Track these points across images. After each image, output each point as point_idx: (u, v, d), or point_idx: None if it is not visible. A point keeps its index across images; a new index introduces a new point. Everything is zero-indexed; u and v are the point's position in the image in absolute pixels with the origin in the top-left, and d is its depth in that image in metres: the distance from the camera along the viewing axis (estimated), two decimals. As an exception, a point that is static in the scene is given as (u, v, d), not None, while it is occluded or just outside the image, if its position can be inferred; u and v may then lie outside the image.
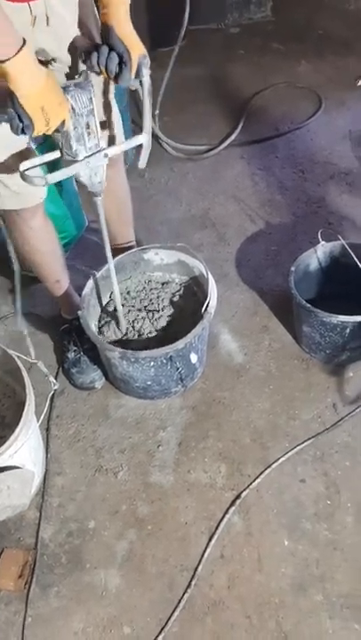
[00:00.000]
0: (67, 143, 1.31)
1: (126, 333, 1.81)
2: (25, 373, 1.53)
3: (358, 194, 2.49)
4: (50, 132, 1.24)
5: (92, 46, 1.30)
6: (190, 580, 1.47)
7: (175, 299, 1.88)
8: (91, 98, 1.26)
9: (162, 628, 1.41)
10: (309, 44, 3.50)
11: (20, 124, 1.18)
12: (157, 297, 1.88)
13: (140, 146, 1.43)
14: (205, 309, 1.66)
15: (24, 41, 1.11)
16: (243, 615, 1.42)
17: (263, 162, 2.69)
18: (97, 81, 1.39)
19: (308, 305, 1.71)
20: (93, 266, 1.84)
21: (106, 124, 1.53)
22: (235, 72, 3.32)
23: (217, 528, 1.55)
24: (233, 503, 1.59)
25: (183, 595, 1.45)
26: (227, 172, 2.66)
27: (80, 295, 1.78)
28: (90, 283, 1.78)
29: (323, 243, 1.87)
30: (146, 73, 1.33)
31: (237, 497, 1.60)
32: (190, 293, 1.89)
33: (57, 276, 1.83)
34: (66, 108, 1.23)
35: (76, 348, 1.90)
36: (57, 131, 1.26)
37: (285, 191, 2.53)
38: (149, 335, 1.80)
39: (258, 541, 1.53)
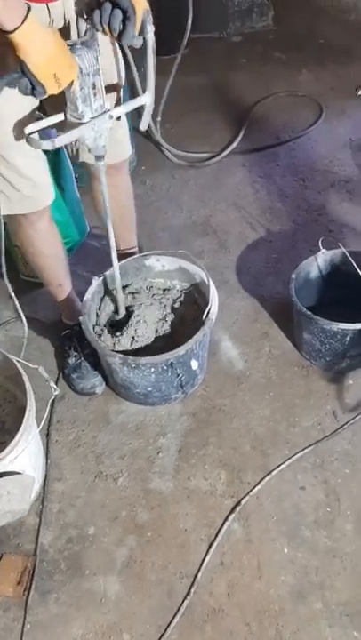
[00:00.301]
0: (72, 105, 1.29)
1: (127, 338, 1.81)
2: (26, 379, 1.54)
3: (359, 202, 2.50)
4: (57, 92, 1.21)
5: (95, 2, 1.24)
6: (190, 588, 1.47)
7: (176, 305, 1.88)
8: (97, 57, 1.23)
9: (161, 636, 1.40)
10: (310, 53, 3.52)
11: (30, 87, 1.16)
12: (159, 303, 1.89)
13: (143, 107, 1.39)
14: (206, 316, 1.66)
15: (29, 8, 1.10)
16: (242, 623, 1.41)
17: (264, 170, 2.70)
18: (103, 40, 1.34)
19: (309, 312, 1.71)
20: (95, 271, 1.84)
21: (111, 87, 1.48)
22: (236, 80, 3.34)
23: (217, 535, 1.55)
24: (233, 510, 1.59)
25: (183, 602, 1.45)
26: (228, 180, 2.67)
27: (82, 301, 1.79)
28: (91, 288, 1.79)
29: (323, 250, 1.88)
30: (150, 29, 1.27)
31: (237, 504, 1.60)
32: (191, 300, 1.90)
33: (60, 280, 1.83)
34: (75, 69, 1.20)
35: (76, 353, 1.90)
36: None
37: (286, 199, 2.54)
38: (150, 341, 1.80)
39: (257, 549, 1.53)
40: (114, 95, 1.49)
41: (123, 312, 1.77)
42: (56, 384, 1.83)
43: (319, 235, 1.94)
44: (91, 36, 1.24)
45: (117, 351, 1.69)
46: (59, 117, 1.34)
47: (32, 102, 1.40)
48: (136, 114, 1.47)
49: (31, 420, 1.50)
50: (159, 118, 2.81)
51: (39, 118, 1.59)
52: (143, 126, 1.45)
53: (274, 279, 2.20)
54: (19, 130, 1.38)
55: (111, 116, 1.34)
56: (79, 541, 1.57)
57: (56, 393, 1.67)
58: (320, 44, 3.63)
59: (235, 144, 2.82)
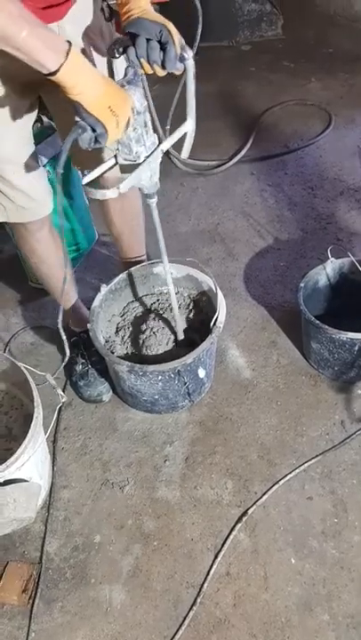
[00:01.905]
0: (125, 148, 1.24)
1: (134, 345, 1.81)
2: (34, 386, 1.53)
3: (368, 211, 2.50)
4: (121, 136, 1.16)
5: (127, 40, 1.18)
6: (196, 598, 1.46)
7: (184, 313, 1.88)
8: (144, 94, 1.19)
9: (166, 646, 1.40)
10: (319, 62, 3.52)
11: (93, 134, 1.09)
12: (166, 311, 1.88)
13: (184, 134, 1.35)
14: (214, 324, 1.66)
15: (69, 43, 1.02)
16: (248, 634, 1.40)
17: (273, 178, 2.70)
18: None
19: (318, 321, 1.70)
20: (103, 279, 1.85)
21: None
22: (245, 89, 3.35)
23: (223, 545, 1.54)
24: (239, 520, 1.58)
25: (188, 612, 1.44)
26: (236, 188, 2.67)
27: (89, 308, 1.79)
28: (99, 296, 1.79)
29: (332, 259, 1.87)
30: (189, 55, 1.21)
31: (244, 514, 1.59)
32: (199, 308, 1.89)
33: (64, 287, 1.83)
34: (129, 104, 1.14)
35: (83, 360, 1.90)
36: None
37: (295, 207, 2.53)
38: (157, 349, 1.80)
39: (264, 559, 1.52)
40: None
41: (181, 336, 1.75)
42: (63, 391, 1.83)
43: (328, 243, 1.94)
44: (134, 74, 1.18)
45: (124, 358, 1.69)
46: (110, 163, 1.27)
47: (27, 119, 1.40)
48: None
49: (38, 428, 1.50)
50: (168, 126, 2.80)
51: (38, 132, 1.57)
52: (185, 154, 1.39)
53: (282, 287, 2.19)
54: (18, 147, 1.38)
55: (162, 150, 1.29)
56: (85, 550, 1.56)
57: (63, 400, 1.67)
58: (329, 52, 3.64)
59: (243, 152, 2.83)
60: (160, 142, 1.29)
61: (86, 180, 1.25)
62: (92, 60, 1.34)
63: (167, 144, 1.31)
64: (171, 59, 1.17)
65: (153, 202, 1.42)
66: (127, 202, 1.50)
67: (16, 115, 1.32)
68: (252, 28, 3.83)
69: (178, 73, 1.23)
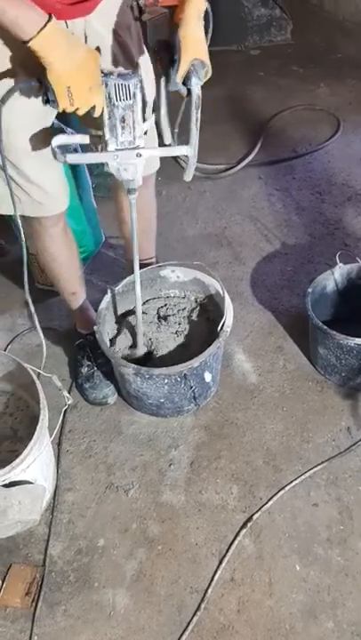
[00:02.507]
0: (102, 130, 1.27)
1: (141, 349, 1.81)
2: (40, 387, 1.53)
3: (376, 216, 2.49)
4: (80, 113, 1.21)
5: (161, 43, 1.28)
6: (200, 603, 1.45)
7: (190, 316, 1.87)
8: (133, 92, 1.19)
9: (170, 652, 1.39)
10: (328, 68, 3.53)
11: (45, 97, 1.17)
12: (173, 314, 1.88)
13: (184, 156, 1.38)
14: (221, 328, 1.65)
15: (50, 17, 1.10)
16: (252, 641, 1.39)
17: (280, 183, 2.70)
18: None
19: (325, 327, 1.70)
20: (110, 281, 1.85)
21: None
22: (254, 93, 3.35)
23: (228, 550, 1.53)
24: (244, 525, 1.57)
25: (192, 618, 1.43)
26: (244, 192, 2.67)
27: (96, 310, 1.78)
28: (106, 298, 1.78)
29: (340, 264, 1.87)
30: (195, 82, 1.26)
31: (249, 519, 1.58)
32: (205, 312, 1.89)
33: (74, 287, 1.83)
34: (97, 95, 1.18)
35: (89, 363, 1.90)
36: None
37: (302, 212, 2.53)
38: (164, 353, 1.80)
39: (269, 565, 1.51)
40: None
41: (140, 323, 1.76)
42: (69, 393, 1.83)
43: (335, 248, 1.93)
44: (133, 70, 1.21)
45: (131, 360, 1.68)
46: (84, 139, 1.32)
47: (48, 113, 1.39)
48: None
49: (44, 430, 1.49)
50: (176, 130, 2.80)
51: (58, 128, 1.59)
52: (187, 177, 1.43)
53: (289, 292, 2.19)
54: (35, 140, 1.38)
55: (139, 155, 1.30)
56: (88, 553, 1.56)
57: (69, 402, 1.67)
58: (338, 58, 3.64)
59: (251, 156, 2.83)
60: (138, 147, 1.29)
61: (57, 141, 1.28)
62: (117, 55, 1.36)
63: (148, 152, 1.32)
64: (170, 82, 1.25)
65: (131, 198, 1.43)
66: (141, 202, 1.50)
67: (33, 106, 1.31)
68: (261, 33, 3.84)
69: (182, 94, 1.29)
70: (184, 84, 1.28)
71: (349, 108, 3.15)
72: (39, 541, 1.58)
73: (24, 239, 1.45)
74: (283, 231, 2.45)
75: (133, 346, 1.82)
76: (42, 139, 1.40)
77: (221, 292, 1.74)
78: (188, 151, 1.35)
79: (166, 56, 1.29)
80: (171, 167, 2.79)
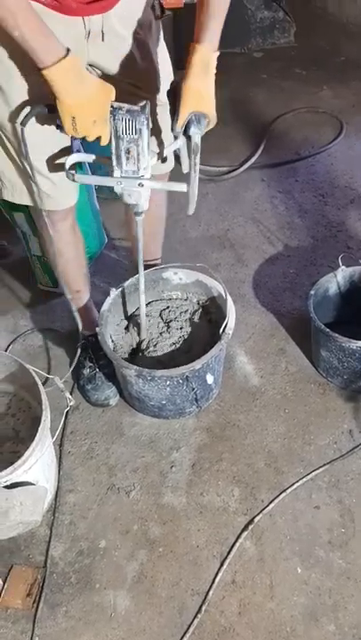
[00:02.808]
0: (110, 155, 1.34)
1: (143, 350, 1.81)
2: (42, 389, 1.53)
3: (378, 219, 2.49)
4: (89, 140, 1.27)
5: (172, 85, 1.36)
6: (201, 605, 1.45)
7: (193, 318, 1.87)
8: (140, 129, 1.25)
9: (170, 654, 1.39)
10: (331, 70, 3.52)
11: (57, 121, 1.24)
12: (175, 316, 1.88)
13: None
14: (223, 330, 1.65)
15: (68, 51, 1.15)
16: (253, 643, 1.39)
17: (283, 185, 2.70)
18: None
19: (328, 330, 1.70)
20: (113, 282, 1.85)
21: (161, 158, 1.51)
22: (257, 95, 3.35)
23: (229, 553, 1.53)
24: (246, 528, 1.57)
25: (193, 620, 1.43)
26: (246, 194, 2.67)
27: (99, 311, 1.78)
28: (109, 299, 1.78)
29: (343, 267, 1.87)
30: (194, 132, 1.32)
31: (250, 522, 1.58)
32: (208, 314, 1.89)
33: (78, 285, 1.82)
34: (101, 128, 1.25)
35: (91, 364, 1.90)
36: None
37: (305, 214, 2.53)
38: (165, 354, 1.80)
39: (270, 568, 1.51)
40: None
41: (144, 318, 1.77)
42: (71, 394, 1.83)
43: (338, 251, 1.93)
44: (140, 109, 1.25)
45: (132, 363, 1.68)
46: (90, 157, 1.40)
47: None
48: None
49: (46, 431, 1.49)
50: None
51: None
52: (190, 212, 1.48)
53: (291, 294, 2.19)
54: (53, 162, 1.44)
55: (141, 185, 1.36)
56: (90, 554, 1.56)
57: (71, 404, 1.67)
58: (341, 60, 3.64)
59: (254, 159, 2.83)
60: (141, 177, 1.35)
61: (70, 160, 1.37)
62: (135, 53, 1.39)
63: (150, 184, 1.38)
64: (172, 129, 1.33)
65: (138, 219, 1.51)
66: (152, 203, 1.51)
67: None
68: (264, 36, 3.84)
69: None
70: (185, 131, 1.33)
71: (353, 110, 3.15)
72: (40, 542, 1.59)
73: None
74: (285, 233, 2.45)
75: (138, 334, 1.84)
76: (58, 139, 1.42)
77: (224, 295, 1.74)
78: (188, 190, 1.41)
79: (172, 102, 1.34)
80: (173, 169, 2.79)
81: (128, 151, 1.29)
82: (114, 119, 1.24)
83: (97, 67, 1.39)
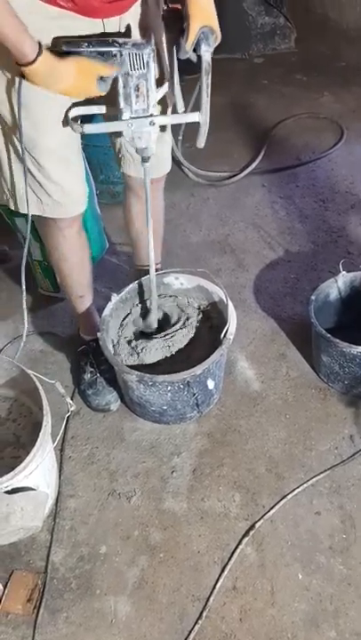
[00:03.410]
0: (117, 100, 1.31)
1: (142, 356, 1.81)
2: (43, 394, 1.53)
3: (379, 225, 2.49)
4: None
5: (171, 12, 1.33)
6: (201, 611, 1.45)
7: (194, 323, 1.87)
8: (147, 62, 1.23)
9: (171, 660, 1.38)
10: (332, 76, 3.53)
11: None
12: (176, 321, 1.88)
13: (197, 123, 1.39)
14: (224, 335, 1.65)
15: (40, 47, 1.14)
16: (254, 650, 1.39)
17: (284, 190, 2.70)
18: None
19: (328, 335, 1.70)
20: (114, 287, 1.85)
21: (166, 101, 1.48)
22: (258, 101, 3.36)
23: (230, 558, 1.53)
24: (247, 533, 1.57)
25: (194, 626, 1.42)
26: (247, 200, 2.67)
27: (100, 317, 1.78)
28: (110, 304, 1.79)
29: (343, 272, 1.87)
30: (204, 49, 1.27)
31: (251, 527, 1.58)
32: (209, 319, 1.89)
33: (82, 290, 1.83)
34: (95, 89, 1.24)
35: (92, 369, 1.90)
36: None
37: (306, 220, 2.53)
38: (166, 359, 1.80)
39: (271, 574, 1.50)
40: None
41: (155, 325, 1.78)
42: (72, 399, 1.83)
43: (338, 256, 1.93)
44: (146, 41, 1.23)
45: (133, 368, 1.68)
46: (101, 109, 1.36)
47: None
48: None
49: (47, 436, 1.49)
50: (180, 137, 2.83)
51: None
52: (199, 144, 1.45)
53: (292, 300, 2.19)
54: (63, 145, 1.42)
55: (153, 123, 1.34)
56: (90, 560, 1.55)
57: (72, 409, 1.67)
58: (342, 66, 3.65)
59: (255, 164, 2.83)
60: (151, 115, 1.33)
61: (74, 113, 1.34)
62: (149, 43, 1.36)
63: (161, 120, 1.35)
64: (179, 49, 1.28)
65: (146, 165, 1.46)
66: (152, 204, 1.51)
67: (58, 100, 1.33)
68: (265, 41, 3.85)
69: (193, 60, 1.31)
70: (194, 51, 1.29)
71: (353, 115, 3.16)
72: (41, 548, 1.58)
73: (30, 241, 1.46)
74: (286, 239, 2.46)
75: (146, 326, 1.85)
76: (70, 142, 1.44)
77: (225, 300, 1.75)
78: (200, 117, 1.37)
79: (176, 24, 1.31)
80: (174, 174, 2.80)
81: (137, 88, 1.27)
82: (121, 55, 1.21)
83: None
